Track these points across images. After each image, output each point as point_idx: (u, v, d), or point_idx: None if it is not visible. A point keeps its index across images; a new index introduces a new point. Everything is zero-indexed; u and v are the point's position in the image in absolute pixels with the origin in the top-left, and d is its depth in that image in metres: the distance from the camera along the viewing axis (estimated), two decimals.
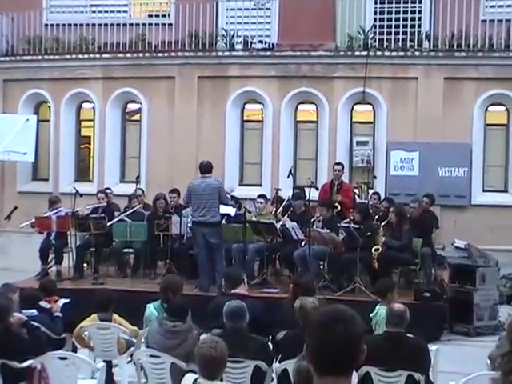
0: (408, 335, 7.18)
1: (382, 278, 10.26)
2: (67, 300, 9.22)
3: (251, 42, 17.73)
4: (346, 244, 12.63)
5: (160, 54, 18.04)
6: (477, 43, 16.63)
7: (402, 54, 16.90)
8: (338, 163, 14.96)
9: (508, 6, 16.93)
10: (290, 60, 17.37)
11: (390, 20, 17.16)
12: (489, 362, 7.40)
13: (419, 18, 17.25)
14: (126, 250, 14.43)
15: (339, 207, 13.83)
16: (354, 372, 2.85)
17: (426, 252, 12.92)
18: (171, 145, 17.74)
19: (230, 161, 17.59)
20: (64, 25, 18.62)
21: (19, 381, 7.35)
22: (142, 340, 8.26)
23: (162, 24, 18.30)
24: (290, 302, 7.97)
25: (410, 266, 12.99)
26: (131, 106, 18.80)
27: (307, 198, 13.93)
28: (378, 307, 8.63)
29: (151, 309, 8.59)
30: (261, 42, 17.71)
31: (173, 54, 17.93)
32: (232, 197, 14.81)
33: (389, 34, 17.14)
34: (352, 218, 13.09)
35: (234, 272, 9.75)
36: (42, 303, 8.65)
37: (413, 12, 17.22)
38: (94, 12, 18.74)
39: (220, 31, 18.01)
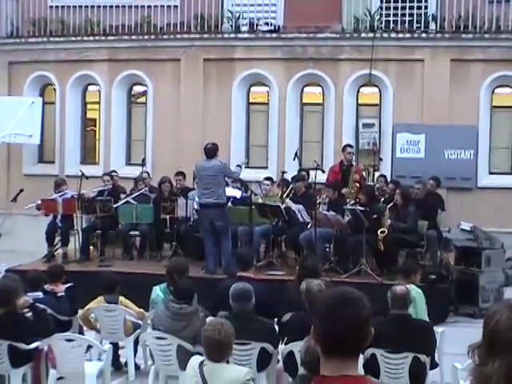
0: (413, 317, 7.21)
1: (387, 260, 10.27)
2: (71, 284, 9.22)
3: (257, 24, 17.62)
4: (352, 226, 12.61)
5: (165, 36, 17.95)
6: (484, 25, 16.52)
7: (408, 35, 16.79)
8: (351, 145, 14.95)
9: None
10: (296, 42, 17.27)
11: (396, 2, 17.00)
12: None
13: (426, 0, 17.14)
14: (132, 233, 14.47)
15: (359, 185, 13.87)
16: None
17: (432, 234, 12.92)
18: (177, 127, 17.69)
19: (236, 143, 17.53)
20: (69, 7, 18.53)
21: (26, 362, 7.41)
22: (149, 322, 8.31)
23: (168, 6, 18.19)
24: (295, 285, 7.99)
25: (415, 249, 12.96)
26: (137, 89, 18.76)
27: (309, 179, 13.93)
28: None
29: (157, 291, 8.63)
30: (267, 23, 17.59)
31: (178, 36, 17.83)
32: (238, 179, 14.80)
33: (395, 15, 17.03)
34: (358, 200, 13.09)
35: (246, 253, 9.77)
36: (46, 286, 8.69)
37: None
38: None
39: (226, 13, 17.90)
